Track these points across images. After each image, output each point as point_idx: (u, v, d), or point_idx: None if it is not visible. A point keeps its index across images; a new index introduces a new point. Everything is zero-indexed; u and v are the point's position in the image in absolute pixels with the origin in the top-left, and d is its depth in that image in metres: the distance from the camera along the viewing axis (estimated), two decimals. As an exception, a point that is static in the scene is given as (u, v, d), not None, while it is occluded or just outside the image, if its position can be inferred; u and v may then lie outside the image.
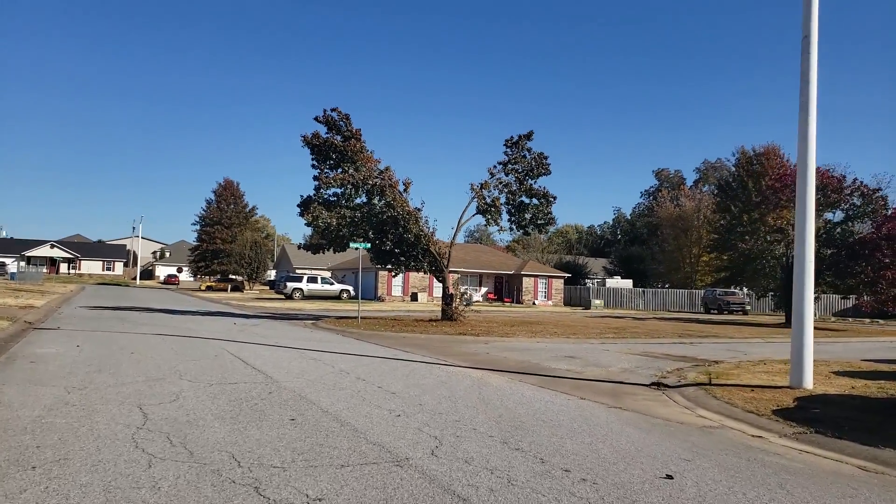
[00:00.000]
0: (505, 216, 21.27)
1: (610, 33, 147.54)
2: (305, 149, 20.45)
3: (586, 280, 59.70)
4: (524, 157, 21.11)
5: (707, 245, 49.36)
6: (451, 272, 21.80)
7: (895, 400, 7.63)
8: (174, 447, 4.59)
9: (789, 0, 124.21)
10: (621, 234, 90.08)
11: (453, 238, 22.15)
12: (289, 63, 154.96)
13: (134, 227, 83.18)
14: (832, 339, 19.81)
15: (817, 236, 21.64)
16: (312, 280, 43.34)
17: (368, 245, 20.06)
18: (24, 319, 15.82)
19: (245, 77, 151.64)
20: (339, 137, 20.22)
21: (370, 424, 5.59)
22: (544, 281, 50.02)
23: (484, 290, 49.22)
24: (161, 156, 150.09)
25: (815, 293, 9.15)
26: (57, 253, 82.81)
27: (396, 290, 44.80)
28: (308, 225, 20.41)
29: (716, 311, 42.45)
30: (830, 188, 25.76)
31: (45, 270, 70.11)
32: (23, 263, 72.34)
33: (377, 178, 19.95)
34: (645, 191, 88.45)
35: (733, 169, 48.83)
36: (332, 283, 44.23)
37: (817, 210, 23.86)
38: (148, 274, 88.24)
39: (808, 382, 8.22)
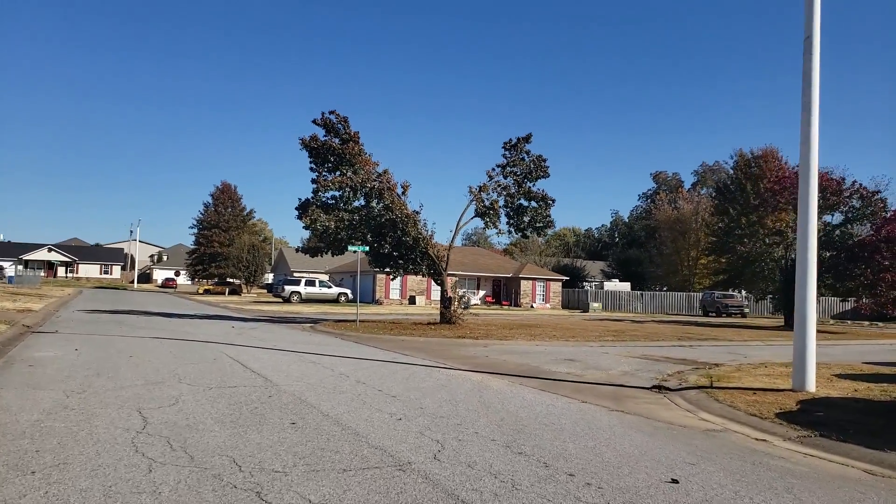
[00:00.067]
0: (503, 219, 21.24)
1: (608, 36, 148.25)
2: (303, 152, 20.41)
3: (584, 283, 59.71)
4: (523, 159, 21.09)
5: (705, 248, 49.45)
6: (449, 275, 21.75)
7: (898, 403, 7.60)
8: (174, 451, 4.55)
9: (788, 3, 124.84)
10: (619, 237, 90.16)
11: (451, 241, 22.10)
12: (286, 66, 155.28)
13: (131, 231, 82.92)
14: (832, 342, 19.82)
15: (817, 239, 21.66)
16: (310, 283, 43.23)
17: (367, 248, 20.01)
18: (21, 323, 15.73)
19: (242, 80, 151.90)
20: (337, 140, 20.18)
21: (371, 428, 5.55)
22: (542, 284, 50.01)
23: (482, 293, 49.19)
24: (159, 159, 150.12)
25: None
26: (54, 256, 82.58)
27: (394, 294, 44.73)
28: (306, 228, 20.35)
29: (714, 314, 42.45)
30: (830, 190, 25.79)
31: (42, 274, 69.87)
32: (20, 267, 72.06)
33: (375, 180, 19.91)
34: (643, 193, 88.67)
35: (731, 171, 48.94)
36: (329, 287, 44.14)
37: (817, 212, 23.86)
38: (145, 277, 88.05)
39: (811, 385, 8.19)
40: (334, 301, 42.35)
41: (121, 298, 39.67)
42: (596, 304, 48.14)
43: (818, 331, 8.45)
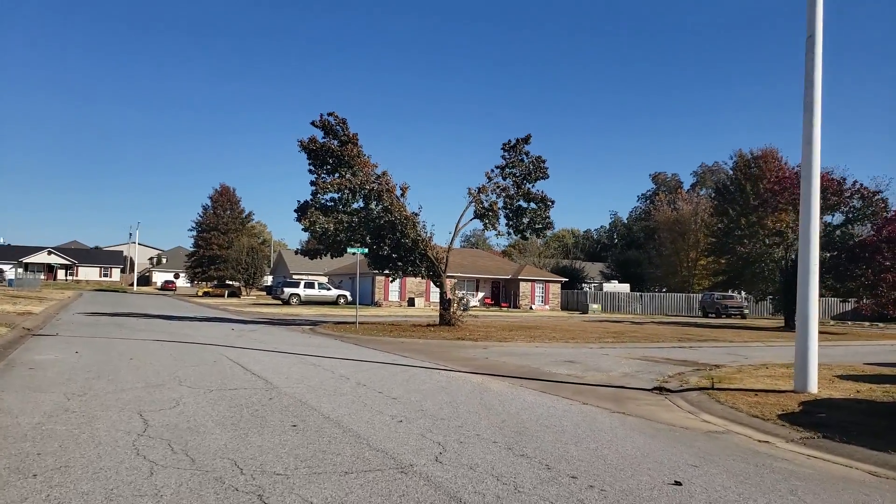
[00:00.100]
0: (503, 220, 21.23)
1: (607, 38, 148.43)
2: (302, 154, 20.41)
3: (583, 284, 59.71)
4: (522, 160, 21.08)
5: (704, 249, 49.45)
6: (448, 277, 21.73)
7: (900, 403, 7.59)
8: (175, 454, 4.53)
9: (787, 5, 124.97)
10: (618, 239, 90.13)
11: (451, 242, 22.08)
12: (285, 69, 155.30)
13: (131, 234, 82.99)
14: (832, 343, 19.82)
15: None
16: (309, 285, 43.18)
17: (366, 250, 20.00)
18: (22, 326, 15.70)
19: (242, 83, 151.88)
20: (335, 142, 20.17)
21: (372, 430, 5.53)
22: (541, 285, 50.00)
23: (481, 294, 49.17)
24: (158, 162, 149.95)
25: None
26: (54, 259, 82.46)
27: (393, 296, 44.72)
28: (305, 230, 20.35)
29: (714, 315, 42.45)
30: (830, 191, 25.81)
31: (42, 277, 69.79)
32: (20, 270, 71.97)
33: (374, 182, 19.90)
34: (642, 195, 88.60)
35: (731, 172, 48.95)
36: (329, 289, 44.11)
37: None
38: (145, 280, 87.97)
39: (813, 386, 8.18)
40: (333, 303, 42.32)
41: (120, 301, 39.64)
42: (595, 306, 48.13)
43: (819, 332, 8.44)
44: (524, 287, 48.99)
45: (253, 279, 59.35)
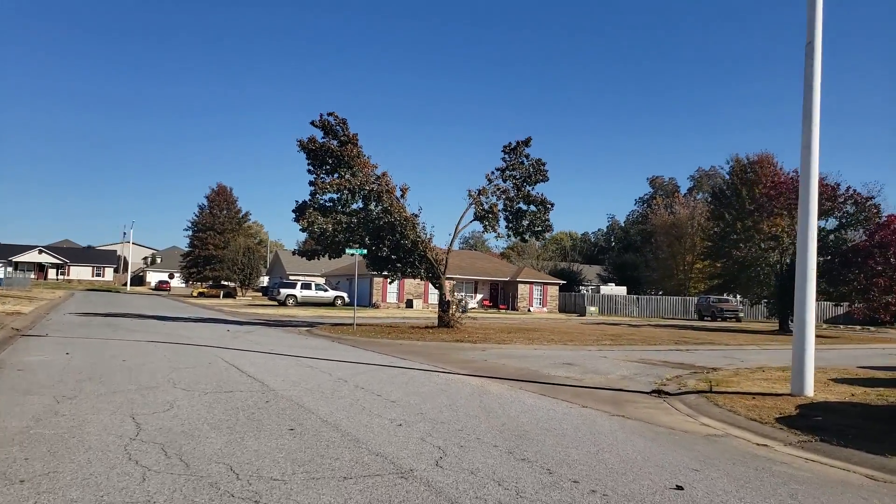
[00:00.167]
0: (503, 223, 21.21)
1: (605, 43, 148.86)
2: (301, 154, 20.31)
3: (581, 287, 59.75)
4: (522, 163, 21.07)
5: (701, 252, 49.56)
6: (447, 279, 21.68)
7: (898, 408, 7.59)
8: (169, 459, 4.45)
9: (785, 8, 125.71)
10: (615, 242, 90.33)
11: (450, 244, 22.04)
12: (284, 70, 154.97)
13: (125, 233, 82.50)
14: (826, 347, 19.87)
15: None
16: (306, 286, 43.02)
17: (365, 251, 19.92)
18: (11, 326, 15.54)
19: (239, 83, 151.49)
20: (335, 142, 20.10)
21: (371, 434, 5.46)
22: (539, 288, 50.01)
23: (479, 296, 49.13)
24: (153, 161, 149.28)
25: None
26: (45, 258, 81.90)
27: (391, 297, 44.61)
28: (303, 230, 20.24)
29: (709, 318, 42.55)
30: (825, 196, 25.95)
31: (32, 276, 69.36)
32: (10, 269, 71.51)
33: (374, 183, 19.83)
34: (639, 198, 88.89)
35: (727, 177, 49.13)
36: (326, 290, 43.95)
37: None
38: (139, 280, 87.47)
39: (809, 390, 8.18)
40: (330, 304, 42.17)
41: (113, 301, 39.37)
42: (592, 308, 48.17)
43: (814, 335, 8.44)
44: (522, 289, 48.99)
45: (249, 280, 59.04)
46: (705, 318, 43.08)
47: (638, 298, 52.07)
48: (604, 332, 23.68)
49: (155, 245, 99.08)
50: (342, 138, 20.06)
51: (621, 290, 54.66)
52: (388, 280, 22.15)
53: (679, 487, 4.24)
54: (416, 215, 20.20)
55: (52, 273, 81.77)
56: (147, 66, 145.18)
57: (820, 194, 25.48)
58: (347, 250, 19.69)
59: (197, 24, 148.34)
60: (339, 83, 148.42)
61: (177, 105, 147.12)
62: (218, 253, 63.59)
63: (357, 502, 3.67)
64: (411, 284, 43.39)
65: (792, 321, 9.49)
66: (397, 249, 19.95)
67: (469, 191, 20.78)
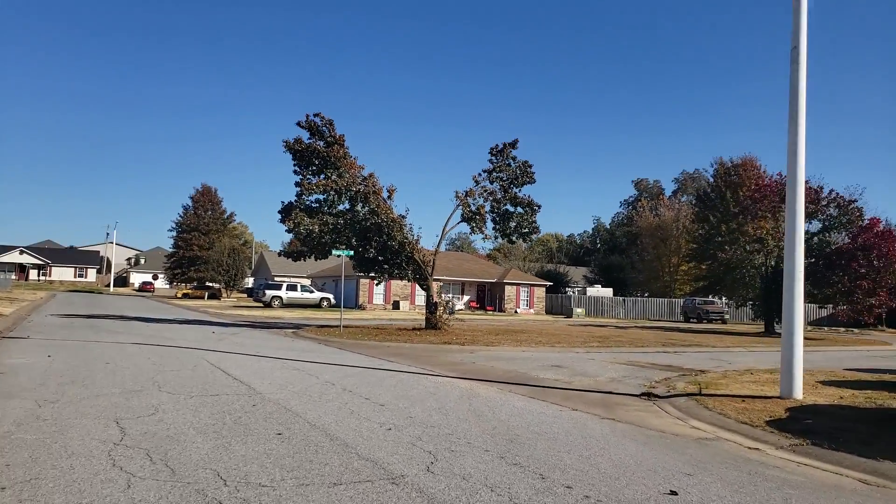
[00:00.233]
0: (490, 224, 21.23)
1: (591, 43, 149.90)
2: (287, 155, 20.15)
3: (567, 289, 60.05)
4: (509, 165, 21.10)
5: (686, 254, 50.14)
6: (434, 280, 21.61)
7: (885, 410, 7.68)
8: (154, 465, 4.33)
9: (771, 11, 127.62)
10: (601, 244, 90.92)
11: (438, 246, 21.98)
12: (271, 70, 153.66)
13: (108, 233, 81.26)
14: (811, 349, 20.08)
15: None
16: (292, 288, 42.66)
17: (351, 252, 19.78)
18: (-10, 328, 15.17)
19: (225, 84, 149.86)
20: (321, 143, 19.95)
21: (361, 439, 5.38)
22: (526, 289, 50.13)
23: (466, 298, 49.11)
24: (137, 161, 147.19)
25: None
26: (26, 259, 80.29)
27: (378, 299, 44.41)
28: (289, 231, 20.04)
29: (695, 320, 42.94)
30: (808, 199, 26.30)
31: (13, 277, 67.83)
32: (-10, 269, 69.96)
33: (361, 184, 19.72)
34: (624, 200, 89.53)
35: (711, 179, 49.75)
36: (311, 292, 43.62)
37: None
38: (122, 281, 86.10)
39: (798, 393, 8.24)
40: (316, 306, 41.87)
41: (96, 302, 38.70)
42: (579, 310, 48.41)
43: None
44: (509, 291, 49.07)
45: (234, 281, 58.35)
46: (691, 320, 43.47)
47: (624, 300, 52.42)
48: (591, 333, 23.77)
49: (139, 246, 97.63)
50: (329, 139, 19.92)
51: (607, 292, 55.00)
52: (375, 281, 22.03)
53: (673, 492, 4.21)
54: (404, 216, 20.14)
55: (33, 274, 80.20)
56: (147, 66, 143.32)
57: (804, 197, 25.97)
58: (334, 251, 19.55)
59: (197, 24, 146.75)
60: (339, 83, 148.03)
61: (161, 106, 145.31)
62: (202, 254, 62.75)
63: (349, 510, 3.59)
64: (398, 286, 43.22)
65: (778, 323, 9.61)
66: (384, 251, 19.85)
67: (456, 192, 20.77)
